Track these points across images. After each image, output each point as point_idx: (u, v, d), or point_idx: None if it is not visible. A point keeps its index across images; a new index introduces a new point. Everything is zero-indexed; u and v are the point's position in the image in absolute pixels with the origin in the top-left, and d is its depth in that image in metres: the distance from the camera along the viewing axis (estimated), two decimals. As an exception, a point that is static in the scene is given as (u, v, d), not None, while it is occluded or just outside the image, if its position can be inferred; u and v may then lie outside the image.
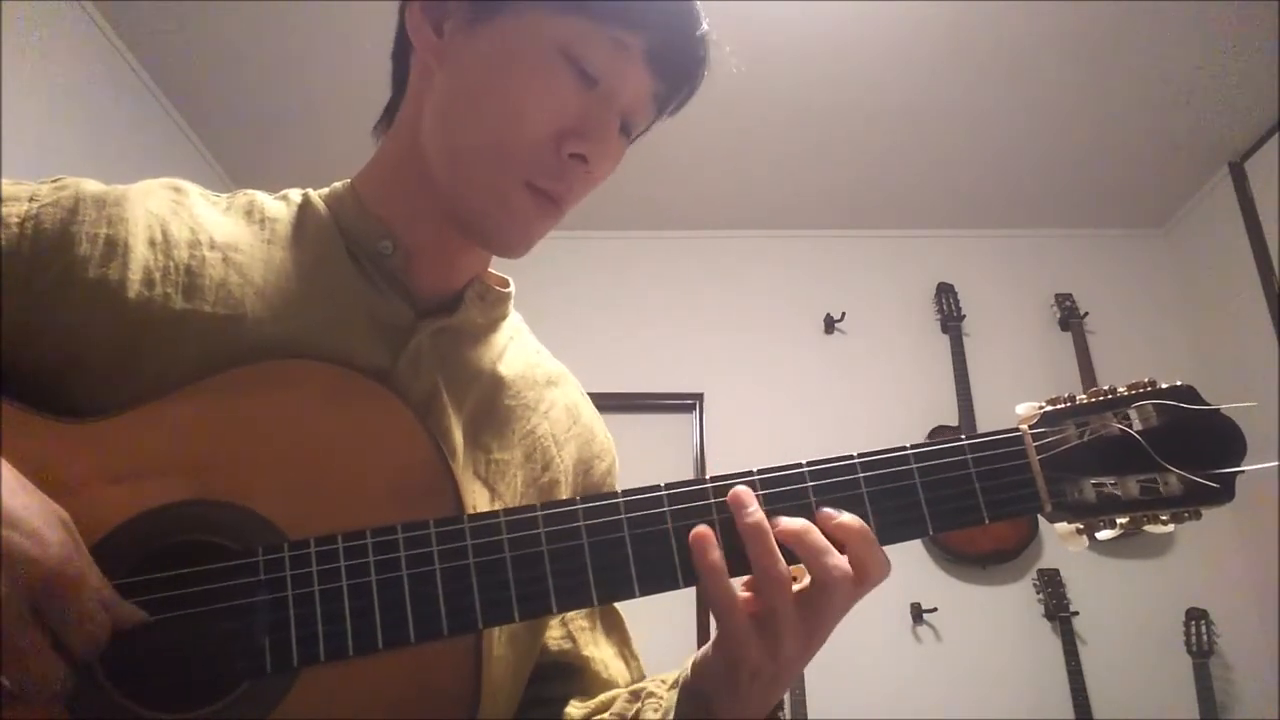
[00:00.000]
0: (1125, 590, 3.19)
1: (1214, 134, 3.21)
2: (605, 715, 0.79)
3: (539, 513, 0.63)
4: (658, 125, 0.81)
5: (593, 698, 0.82)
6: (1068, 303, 3.53)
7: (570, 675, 0.84)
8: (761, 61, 2.89)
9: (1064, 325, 3.53)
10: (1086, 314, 3.51)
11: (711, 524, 0.64)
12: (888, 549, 0.65)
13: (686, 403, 3.53)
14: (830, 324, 3.62)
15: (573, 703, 0.82)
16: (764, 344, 3.61)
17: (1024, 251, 3.72)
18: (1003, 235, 3.75)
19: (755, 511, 0.63)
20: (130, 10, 2.71)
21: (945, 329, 3.56)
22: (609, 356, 3.50)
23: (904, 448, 0.66)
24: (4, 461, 0.54)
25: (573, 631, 0.85)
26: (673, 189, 3.53)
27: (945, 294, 3.59)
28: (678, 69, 0.74)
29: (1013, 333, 3.59)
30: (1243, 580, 3.17)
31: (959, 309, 3.55)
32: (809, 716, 2.92)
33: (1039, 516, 0.67)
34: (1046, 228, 3.73)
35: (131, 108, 2.93)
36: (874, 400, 3.49)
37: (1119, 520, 0.65)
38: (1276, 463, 0.67)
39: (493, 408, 0.80)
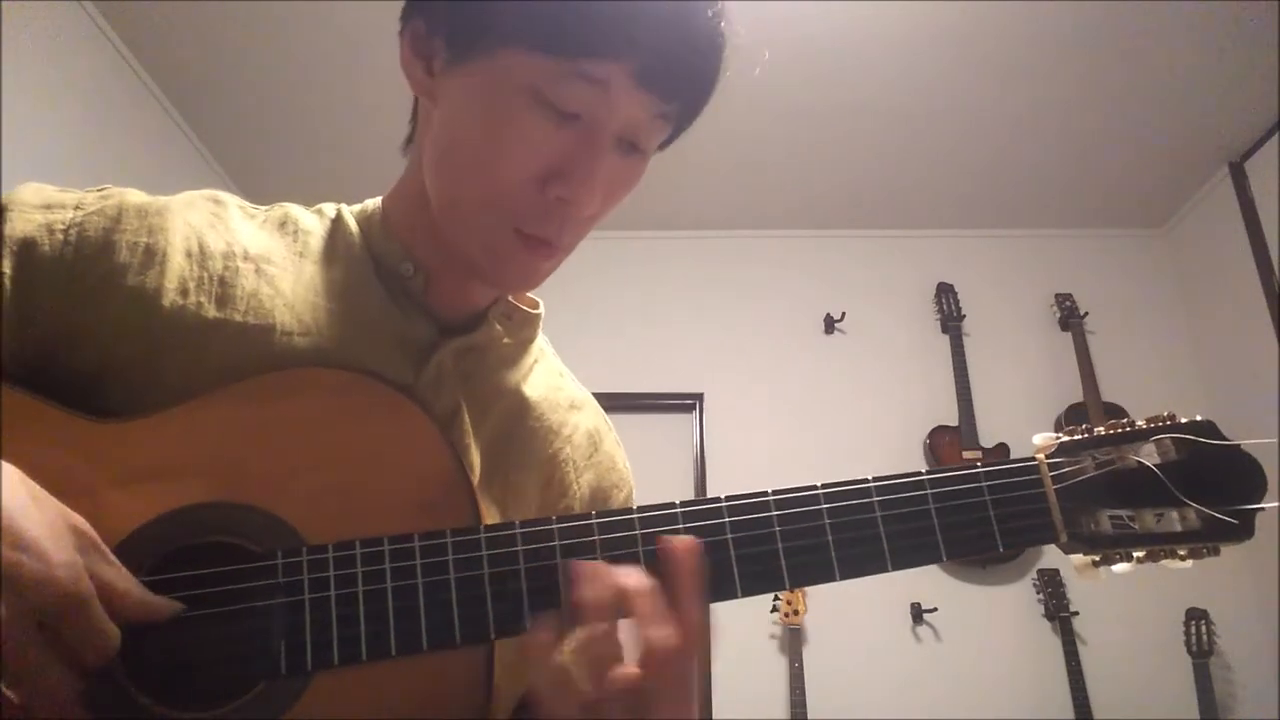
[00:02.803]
0: (1125, 590, 3.19)
1: (1214, 134, 3.21)
2: None
3: (554, 525, 0.64)
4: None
5: None
6: (1068, 303, 3.53)
7: None
8: (762, 62, 2.89)
9: (1064, 325, 3.53)
10: (1086, 314, 3.51)
11: (724, 544, 0.64)
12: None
13: (686, 403, 3.53)
14: (830, 324, 3.62)
15: None
16: (764, 344, 3.61)
17: (1024, 251, 3.73)
18: (1003, 235, 3.75)
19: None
20: (130, 10, 2.71)
21: (945, 329, 3.56)
22: (609, 356, 3.50)
23: (919, 473, 0.66)
24: (17, 473, 0.54)
25: None
26: (673, 189, 3.53)
27: (945, 294, 3.60)
28: (679, 85, 0.69)
29: (1013, 333, 3.59)
30: (1243, 580, 3.18)
31: (959, 309, 3.55)
32: (809, 716, 2.93)
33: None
34: (1046, 228, 3.74)
35: (131, 108, 2.93)
36: (874, 400, 3.49)
37: (1135, 554, 0.64)
38: None
39: (515, 429, 0.80)
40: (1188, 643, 2.96)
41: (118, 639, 0.55)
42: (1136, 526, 0.64)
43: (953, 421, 3.36)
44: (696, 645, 0.60)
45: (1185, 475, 0.64)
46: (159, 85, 3.01)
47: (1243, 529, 0.62)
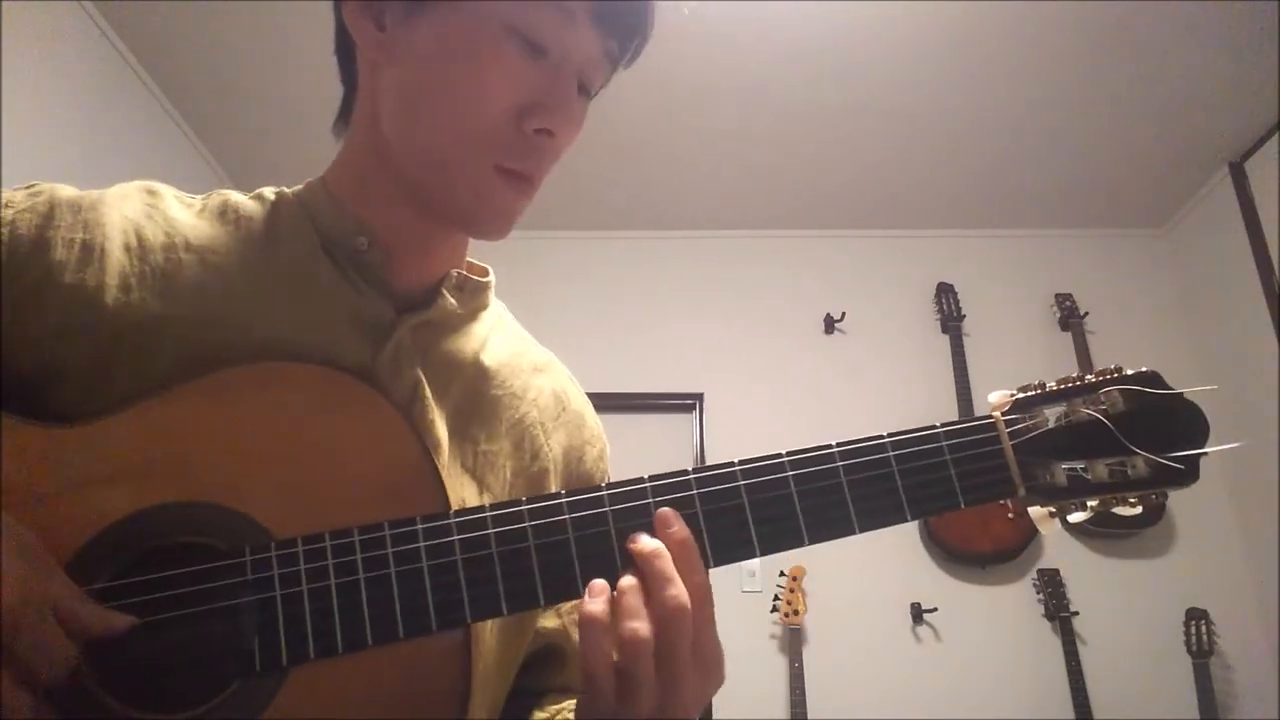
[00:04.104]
0: (1125, 590, 3.19)
1: (1214, 134, 3.21)
2: None
3: (524, 507, 0.64)
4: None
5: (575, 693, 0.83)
6: (1068, 303, 3.52)
7: (561, 663, 0.85)
8: (762, 62, 2.90)
9: (1064, 325, 3.53)
10: (1086, 314, 3.51)
11: (695, 516, 0.65)
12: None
13: (686, 403, 3.53)
14: (830, 324, 3.62)
15: (537, 714, 0.82)
16: (764, 344, 3.61)
17: (1024, 251, 3.72)
18: (1003, 235, 3.75)
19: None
20: (130, 10, 2.72)
21: (945, 329, 3.56)
22: (609, 356, 3.50)
23: (881, 436, 0.67)
24: None
25: (568, 623, 0.85)
26: (672, 189, 3.53)
27: (945, 294, 3.59)
28: (626, 23, 0.74)
29: (1013, 333, 3.58)
30: (1243, 580, 3.17)
31: (959, 309, 3.55)
32: (809, 716, 2.92)
33: (1032, 512, 0.68)
34: (1046, 228, 3.73)
35: (131, 108, 2.94)
36: (874, 400, 3.49)
37: (1089, 503, 0.66)
38: (1238, 444, 0.68)
39: (479, 399, 0.80)
40: (1188, 643, 2.95)
41: (75, 655, 0.54)
42: (1090, 477, 0.66)
43: (953, 421, 3.35)
44: (706, 606, 0.62)
45: (1133, 425, 0.65)
46: (159, 85, 3.01)
47: (1188, 473, 0.64)
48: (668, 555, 0.62)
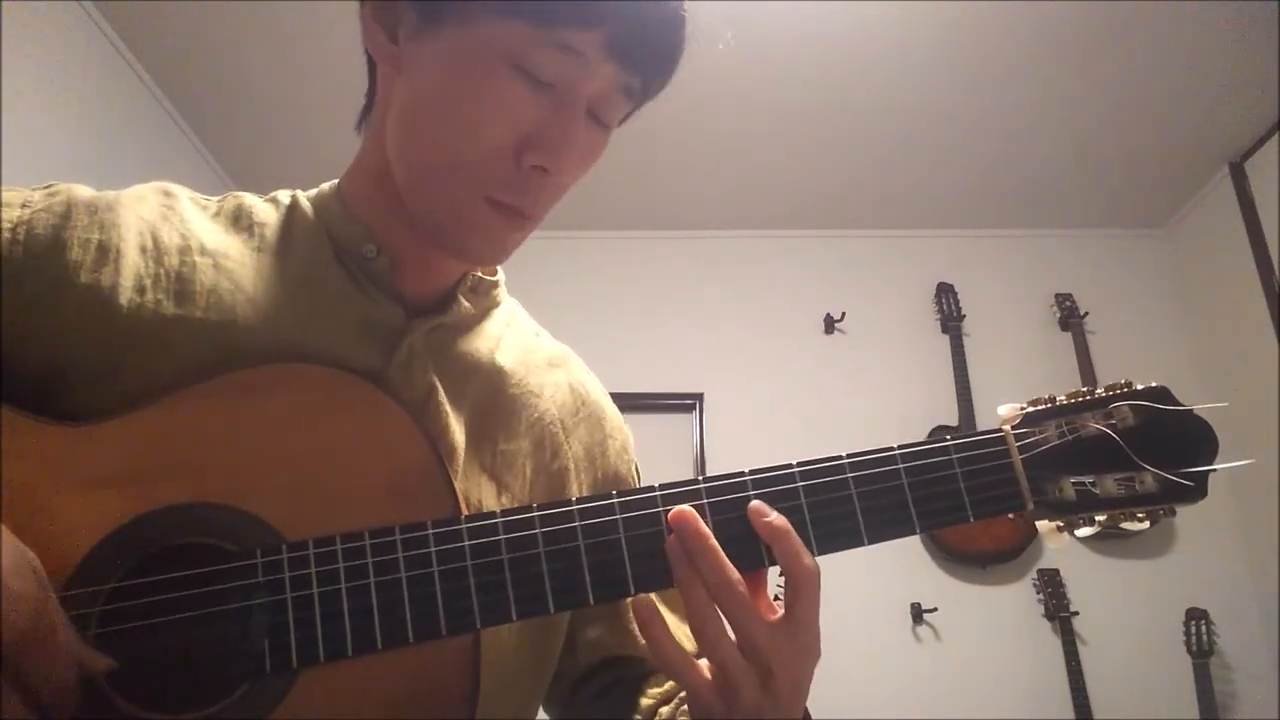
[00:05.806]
0: (1125, 590, 3.19)
1: (1214, 134, 3.21)
2: (665, 710, 0.80)
3: (535, 513, 0.64)
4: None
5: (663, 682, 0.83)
6: (1068, 303, 3.52)
7: (632, 663, 0.85)
8: (761, 62, 2.89)
9: (1064, 325, 3.53)
10: (1086, 314, 3.51)
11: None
12: (883, 547, 0.66)
13: (686, 403, 3.52)
14: (830, 324, 3.61)
15: (648, 690, 0.82)
16: (764, 344, 3.61)
17: (1024, 251, 3.72)
18: (1003, 235, 3.75)
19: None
20: (130, 10, 2.71)
21: (945, 329, 3.56)
22: (609, 356, 3.46)
23: (891, 448, 0.67)
24: None
25: (625, 624, 0.85)
26: (673, 189, 3.53)
27: (945, 294, 3.59)
28: (646, 57, 0.71)
29: (1013, 333, 3.58)
30: (1243, 580, 3.17)
31: (959, 309, 3.55)
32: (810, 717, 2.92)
33: (1031, 516, 0.68)
34: (1046, 228, 3.73)
35: (131, 108, 2.93)
36: (874, 400, 3.48)
37: (1098, 518, 0.66)
38: (1248, 461, 0.69)
39: (496, 399, 0.80)
40: (1188, 643, 2.96)
41: (76, 679, 0.54)
42: (1098, 491, 0.66)
43: (953, 421, 3.36)
44: (806, 586, 0.64)
45: (1142, 440, 0.66)
46: (159, 85, 3.01)
47: (1197, 490, 0.65)
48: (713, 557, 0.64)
